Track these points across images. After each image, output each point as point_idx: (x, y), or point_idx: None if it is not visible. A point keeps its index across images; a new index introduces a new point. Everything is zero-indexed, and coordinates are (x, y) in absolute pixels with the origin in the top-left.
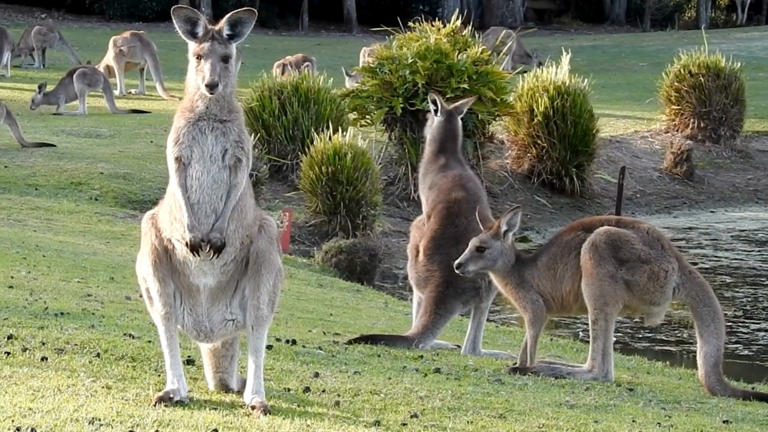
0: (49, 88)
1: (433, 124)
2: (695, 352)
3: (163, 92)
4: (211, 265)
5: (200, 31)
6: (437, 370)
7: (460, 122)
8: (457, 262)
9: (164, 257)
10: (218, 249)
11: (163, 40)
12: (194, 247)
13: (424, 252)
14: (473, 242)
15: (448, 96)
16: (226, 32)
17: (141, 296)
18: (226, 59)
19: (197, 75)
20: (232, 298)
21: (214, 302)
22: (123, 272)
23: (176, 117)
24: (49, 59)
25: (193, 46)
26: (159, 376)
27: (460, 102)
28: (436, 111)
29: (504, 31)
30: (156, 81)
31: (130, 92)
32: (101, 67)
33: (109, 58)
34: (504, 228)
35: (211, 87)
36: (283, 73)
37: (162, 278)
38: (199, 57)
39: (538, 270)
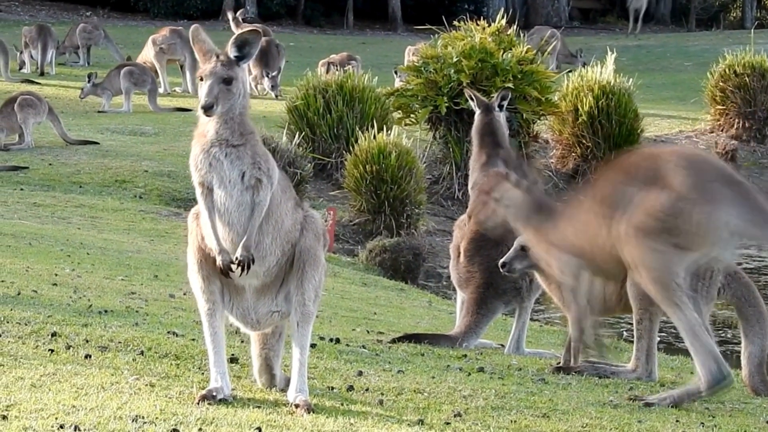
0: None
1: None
2: (739, 352)
3: (195, 91)
4: (254, 272)
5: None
6: (481, 369)
7: (500, 116)
8: (501, 261)
9: (208, 257)
10: (247, 266)
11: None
12: (224, 270)
13: (465, 253)
14: (518, 241)
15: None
16: (233, 54)
17: (185, 294)
18: (228, 81)
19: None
20: (278, 293)
21: (260, 298)
22: (167, 270)
23: (193, 143)
24: (94, 57)
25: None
26: (203, 374)
27: (496, 95)
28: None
29: (549, 31)
30: (190, 79)
31: (174, 90)
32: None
33: (147, 55)
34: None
35: (206, 109)
36: (327, 72)
37: (206, 276)
38: (201, 79)
39: None
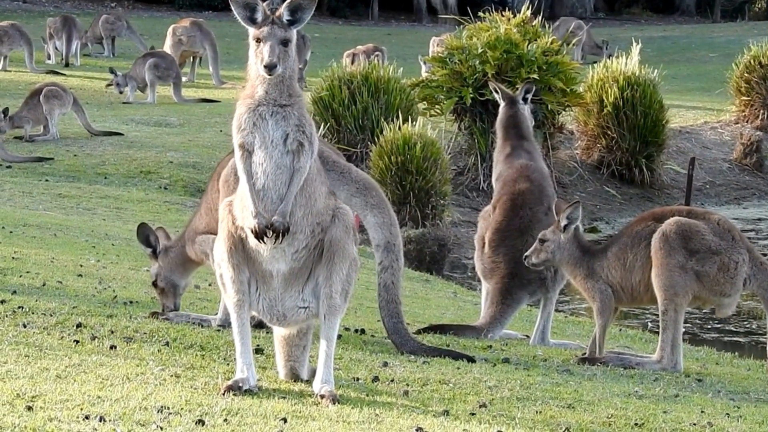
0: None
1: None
2: (764, 343)
3: (218, 82)
4: (283, 252)
5: (259, 16)
6: (506, 360)
7: (524, 108)
8: (525, 254)
9: (239, 244)
10: (282, 233)
11: (233, 29)
12: (259, 234)
13: (489, 244)
14: (539, 235)
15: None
16: (285, 17)
17: (210, 285)
18: (285, 43)
19: (256, 58)
20: (305, 285)
21: (287, 288)
22: None
23: (238, 104)
24: (119, 48)
25: (252, 31)
26: (228, 365)
27: (520, 87)
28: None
29: (574, 22)
30: (213, 71)
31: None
32: None
33: (167, 46)
34: (564, 222)
35: (270, 68)
36: (353, 63)
37: (236, 265)
38: (258, 40)
39: (607, 260)
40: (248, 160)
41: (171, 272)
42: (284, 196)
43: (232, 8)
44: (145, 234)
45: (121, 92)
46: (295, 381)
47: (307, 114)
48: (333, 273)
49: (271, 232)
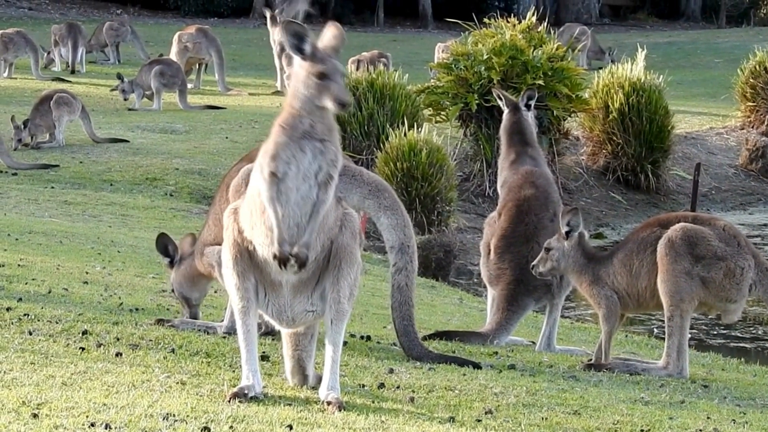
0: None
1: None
2: None
3: (224, 89)
4: (293, 266)
5: (308, 48)
6: (512, 367)
7: (527, 114)
8: (532, 264)
9: (245, 252)
10: (303, 264)
11: (238, 36)
12: (282, 261)
13: (495, 250)
14: (545, 244)
15: None
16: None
17: (216, 292)
18: (343, 77)
19: (319, 92)
20: (314, 291)
21: (297, 295)
22: None
23: (276, 131)
24: (125, 55)
25: (307, 63)
26: (234, 372)
27: (521, 95)
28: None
29: (579, 28)
30: (218, 78)
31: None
32: None
33: (173, 53)
34: (565, 229)
35: (347, 106)
36: (358, 69)
37: (241, 272)
38: (323, 75)
39: (613, 267)
40: (276, 188)
41: (181, 285)
42: (306, 228)
43: (282, 33)
44: (164, 244)
45: (125, 99)
46: (301, 378)
47: (340, 147)
48: (341, 278)
49: (293, 260)
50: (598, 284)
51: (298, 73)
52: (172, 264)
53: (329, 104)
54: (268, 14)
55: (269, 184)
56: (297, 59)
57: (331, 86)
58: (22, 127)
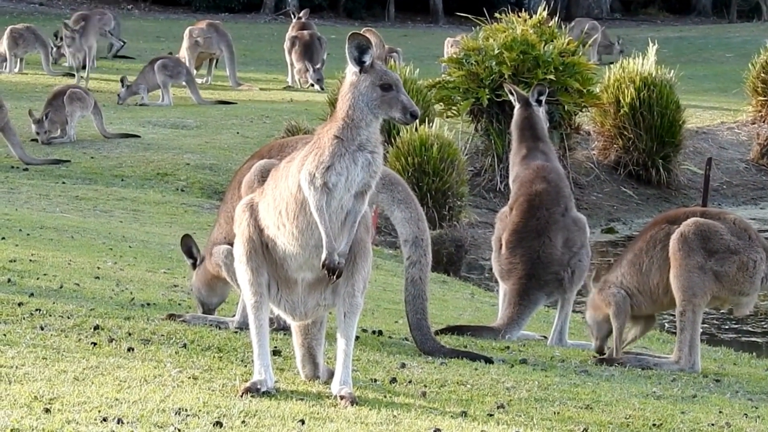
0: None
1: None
2: None
3: (235, 84)
4: (312, 265)
5: (368, 60)
6: (524, 361)
7: (538, 110)
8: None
9: (260, 248)
10: (340, 273)
11: (249, 31)
12: (331, 269)
13: (507, 245)
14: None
15: None
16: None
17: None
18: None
19: (387, 104)
20: (327, 286)
21: (311, 292)
22: None
23: (330, 141)
24: (135, 51)
25: (369, 75)
26: (246, 366)
27: (531, 90)
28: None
29: (589, 23)
30: (229, 72)
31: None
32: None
33: (184, 48)
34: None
35: (417, 116)
36: None
37: (255, 268)
38: (389, 87)
39: (621, 268)
40: (326, 198)
41: (198, 290)
42: (343, 237)
43: (347, 44)
44: (188, 245)
45: (120, 104)
46: (312, 368)
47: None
48: (355, 272)
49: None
50: (605, 289)
51: (355, 84)
52: (195, 266)
53: (398, 115)
54: (293, 16)
55: (320, 194)
56: (353, 70)
57: (400, 97)
58: (43, 119)
